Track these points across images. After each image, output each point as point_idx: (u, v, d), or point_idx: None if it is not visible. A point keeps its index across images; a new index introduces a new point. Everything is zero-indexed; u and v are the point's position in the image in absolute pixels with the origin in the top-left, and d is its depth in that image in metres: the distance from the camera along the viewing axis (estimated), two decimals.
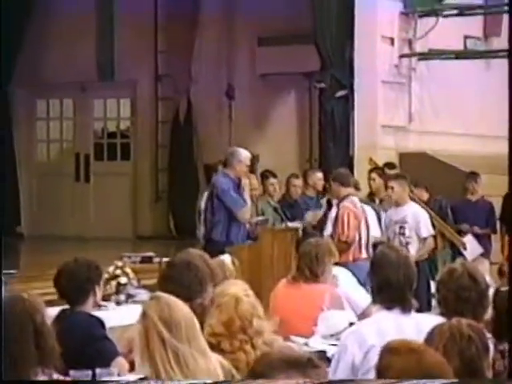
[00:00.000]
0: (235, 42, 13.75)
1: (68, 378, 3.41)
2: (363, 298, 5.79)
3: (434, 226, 8.75)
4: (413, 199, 8.75)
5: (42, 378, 3.28)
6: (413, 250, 8.03)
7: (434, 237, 8.69)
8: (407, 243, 8.21)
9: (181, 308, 3.42)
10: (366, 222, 8.15)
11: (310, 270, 5.69)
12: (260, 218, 8.91)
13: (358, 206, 8.13)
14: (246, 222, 8.42)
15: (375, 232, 8.48)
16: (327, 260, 5.76)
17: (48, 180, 14.42)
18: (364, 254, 7.94)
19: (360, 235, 8.02)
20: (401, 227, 8.31)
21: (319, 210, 9.62)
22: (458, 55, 12.04)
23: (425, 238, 8.38)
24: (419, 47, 11.96)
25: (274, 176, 9.83)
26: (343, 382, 3.28)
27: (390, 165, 10.35)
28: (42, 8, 13.82)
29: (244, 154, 8.49)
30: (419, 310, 4.21)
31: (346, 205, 7.99)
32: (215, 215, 8.27)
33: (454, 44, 12.11)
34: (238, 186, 8.40)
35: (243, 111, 13.66)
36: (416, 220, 8.33)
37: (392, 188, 8.36)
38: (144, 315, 3.39)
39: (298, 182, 10.03)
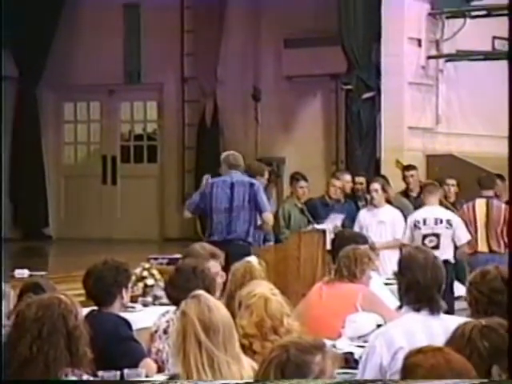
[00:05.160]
0: (261, 44, 13.75)
1: (97, 379, 3.41)
2: (391, 301, 5.75)
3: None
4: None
5: (71, 378, 3.27)
6: None
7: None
8: None
9: (220, 311, 3.37)
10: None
11: (348, 269, 5.68)
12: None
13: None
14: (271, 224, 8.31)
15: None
16: (366, 262, 5.76)
17: (75, 182, 14.49)
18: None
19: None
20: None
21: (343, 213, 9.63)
22: (487, 56, 11.95)
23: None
24: (447, 48, 11.88)
25: (305, 179, 9.70)
26: (373, 381, 3.25)
27: (409, 167, 10.37)
28: (69, 12, 13.90)
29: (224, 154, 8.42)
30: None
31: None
32: (248, 215, 8.02)
33: (482, 45, 12.02)
34: None
35: (269, 113, 13.65)
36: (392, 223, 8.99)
37: (376, 190, 9.08)
38: (183, 314, 3.34)
39: (339, 183, 9.98)
